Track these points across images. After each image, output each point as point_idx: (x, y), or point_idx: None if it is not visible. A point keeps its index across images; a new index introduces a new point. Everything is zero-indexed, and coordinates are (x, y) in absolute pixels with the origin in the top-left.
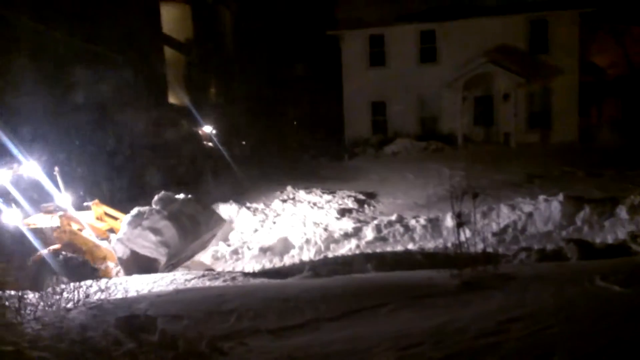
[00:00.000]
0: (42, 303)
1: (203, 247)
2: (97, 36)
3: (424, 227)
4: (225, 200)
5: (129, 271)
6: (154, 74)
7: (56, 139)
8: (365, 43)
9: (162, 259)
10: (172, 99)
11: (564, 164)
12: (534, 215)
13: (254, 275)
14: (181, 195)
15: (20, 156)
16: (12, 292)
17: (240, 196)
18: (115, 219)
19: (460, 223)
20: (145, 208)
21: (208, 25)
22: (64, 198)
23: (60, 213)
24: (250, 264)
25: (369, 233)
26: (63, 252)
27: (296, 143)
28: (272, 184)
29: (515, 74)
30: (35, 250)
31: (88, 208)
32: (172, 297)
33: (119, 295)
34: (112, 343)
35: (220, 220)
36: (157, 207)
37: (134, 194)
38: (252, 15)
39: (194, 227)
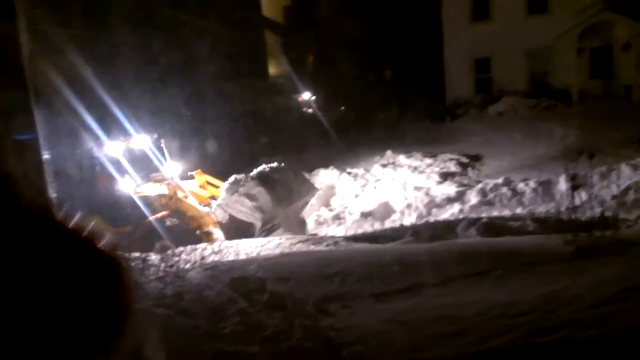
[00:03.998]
0: (163, 264)
1: (296, 213)
2: (200, 10)
3: (534, 190)
4: (326, 166)
5: (228, 235)
6: (255, 45)
7: (165, 112)
8: None
9: (258, 223)
10: (272, 69)
11: None
12: None
13: (355, 239)
14: (275, 164)
15: (131, 129)
16: (137, 254)
17: (340, 162)
18: (216, 187)
19: (575, 185)
20: (242, 175)
21: None
22: (170, 168)
23: (167, 182)
24: (352, 229)
25: (473, 197)
26: (169, 219)
27: (395, 106)
28: (372, 148)
29: (637, 20)
30: (145, 217)
31: (192, 177)
32: (279, 260)
33: (230, 258)
34: (226, 302)
35: (312, 188)
36: (253, 175)
37: (237, 163)
38: None
39: (286, 194)
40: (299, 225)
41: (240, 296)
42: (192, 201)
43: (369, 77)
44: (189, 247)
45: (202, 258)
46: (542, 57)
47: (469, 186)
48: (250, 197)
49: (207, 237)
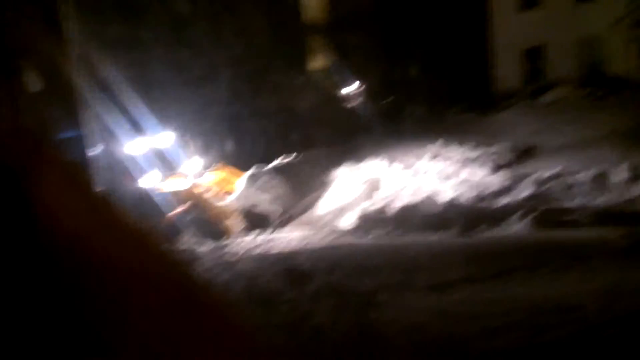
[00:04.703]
0: (211, 256)
1: (311, 206)
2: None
3: (590, 181)
4: (371, 157)
5: (247, 226)
6: (293, 40)
7: (195, 108)
8: None
9: (275, 214)
10: (313, 63)
11: None
12: None
13: (402, 231)
14: (292, 158)
15: (156, 125)
16: (182, 247)
17: (386, 153)
18: (234, 180)
19: (634, 176)
20: (261, 168)
21: None
22: (192, 164)
23: (188, 177)
24: (399, 220)
25: (525, 189)
26: (191, 213)
27: (441, 98)
28: (419, 140)
29: None
30: (167, 212)
31: (214, 171)
32: (325, 252)
33: (276, 250)
34: (275, 292)
35: (326, 182)
36: (271, 167)
37: (272, 156)
38: None
39: (302, 186)
40: (311, 218)
41: (289, 286)
42: (212, 195)
43: (413, 69)
44: (236, 239)
45: (249, 249)
46: (595, 46)
47: (521, 177)
48: (268, 188)
49: (228, 230)
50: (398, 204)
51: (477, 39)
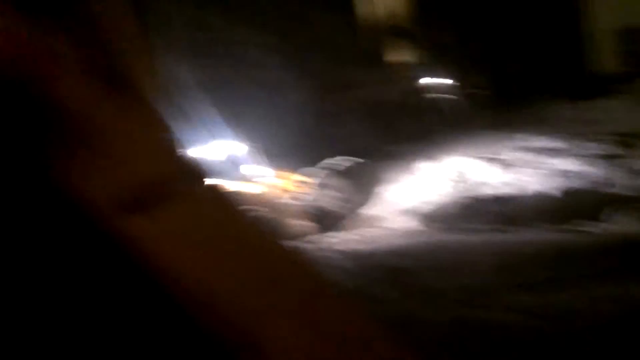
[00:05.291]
0: (303, 252)
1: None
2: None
3: None
4: (455, 151)
5: (317, 226)
6: (366, 32)
7: (281, 110)
8: None
9: (344, 214)
10: (393, 55)
11: None
12: None
13: (489, 228)
14: (357, 159)
15: (229, 131)
16: None
17: (471, 146)
18: (303, 182)
19: None
20: (327, 170)
21: None
22: (263, 169)
23: (260, 180)
24: (483, 216)
25: (624, 180)
26: (263, 215)
27: (531, 83)
28: (505, 130)
29: None
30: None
31: (282, 175)
32: (421, 249)
33: (368, 247)
34: (379, 291)
35: (383, 183)
36: (338, 169)
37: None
38: None
39: (365, 188)
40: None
41: (391, 286)
42: (282, 198)
43: (498, 55)
44: (330, 236)
45: (342, 246)
46: None
47: (620, 167)
48: (336, 189)
49: (299, 230)
50: (484, 196)
51: (569, 20)
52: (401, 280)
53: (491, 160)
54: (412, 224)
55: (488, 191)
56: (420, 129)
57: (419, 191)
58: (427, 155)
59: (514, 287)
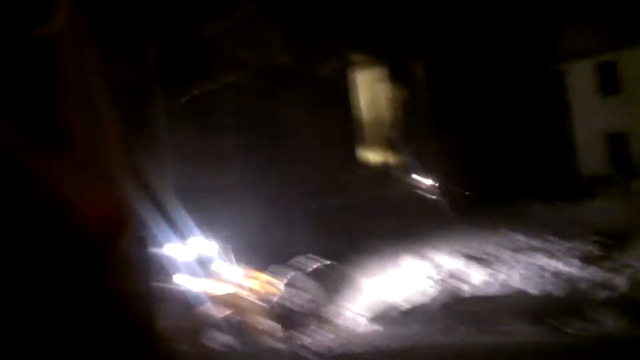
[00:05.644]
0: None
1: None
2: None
3: None
4: (445, 251)
5: (284, 327)
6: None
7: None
8: (596, 72)
9: (311, 315)
10: (373, 156)
11: None
12: None
13: (466, 329)
14: (328, 262)
15: (200, 230)
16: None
17: (465, 247)
18: (271, 284)
19: None
20: (297, 272)
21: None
22: (233, 270)
23: (231, 281)
24: (462, 316)
25: (622, 283)
26: (233, 316)
27: (522, 185)
28: (498, 230)
29: None
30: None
31: (250, 275)
32: (399, 350)
33: (359, 350)
34: None
35: (356, 284)
36: (309, 271)
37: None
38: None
39: (334, 291)
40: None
41: None
42: (250, 298)
43: (489, 157)
44: (311, 336)
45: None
46: None
47: (618, 271)
48: (305, 290)
49: (261, 331)
50: (469, 295)
51: (557, 126)
52: None
53: (471, 258)
54: (386, 323)
55: (467, 289)
56: (402, 226)
57: (396, 289)
58: (407, 253)
59: None
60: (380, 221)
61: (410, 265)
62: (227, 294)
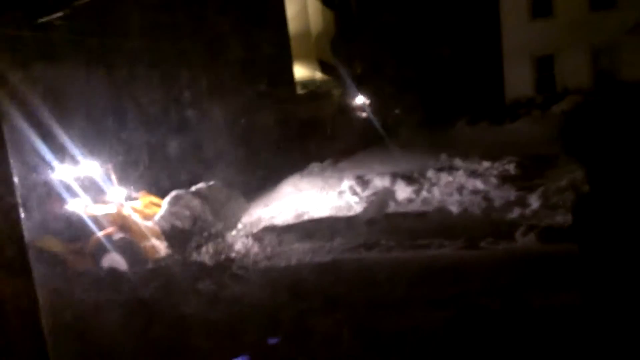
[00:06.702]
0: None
1: (231, 226)
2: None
3: None
4: (377, 170)
5: (171, 244)
6: (274, 52)
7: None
8: None
9: (196, 232)
10: (306, 72)
11: None
12: None
13: (410, 245)
14: (212, 183)
15: (83, 154)
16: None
17: (393, 166)
18: (159, 205)
19: None
20: (182, 191)
21: None
22: (116, 191)
23: (115, 202)
24: (406, 234)
25: (534, 201)
26: (116, 234)
27: (449, 107)
28: (428, 152)
29: None
30: (94, 233)
31: (136, 198)
32: (331, 266)
33: (283, 264)
34: (279, 305)
35: (244, 205)
36: (191, 190)
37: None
38: None
39: (220, 208)
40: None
41: (295, 299)
42: (136, 217)
43: (420, 78)
44: (241, 254)
45: (255, 263)
46: (609, 55)
47: (531, 189)
48: (188, 208)
49: (152, 250)
50: (400, 214)
51: (488, 47)
52: (307, 294)
53: (397, 176)
54: (311, 238)
55: (399, 209)
56: (344, 146)
57: (322, 206)
58: (336, 172)
59: (424, 302)
60: (311, 140)
61: (338, 183)
62: (110, 214)
